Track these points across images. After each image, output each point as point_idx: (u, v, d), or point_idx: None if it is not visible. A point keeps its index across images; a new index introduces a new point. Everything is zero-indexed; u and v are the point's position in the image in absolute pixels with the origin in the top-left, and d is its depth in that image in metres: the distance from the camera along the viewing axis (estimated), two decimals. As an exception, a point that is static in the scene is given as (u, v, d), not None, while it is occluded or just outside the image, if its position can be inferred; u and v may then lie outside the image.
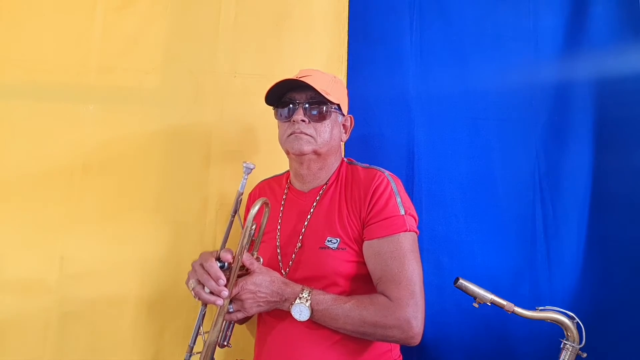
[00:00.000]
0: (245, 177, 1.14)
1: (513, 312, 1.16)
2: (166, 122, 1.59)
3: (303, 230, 1.25)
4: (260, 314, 1.34)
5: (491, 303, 1.16)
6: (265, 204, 1.14)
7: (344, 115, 1.34)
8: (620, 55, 1.60)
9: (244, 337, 1.57)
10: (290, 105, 1.26)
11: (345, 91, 1.38)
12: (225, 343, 1.17)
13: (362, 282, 1.18)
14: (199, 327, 1.13)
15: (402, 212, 1.18)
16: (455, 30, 1.71)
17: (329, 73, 1.38)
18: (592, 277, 1.53)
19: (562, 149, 1.61)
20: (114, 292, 1.50)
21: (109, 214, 1.52)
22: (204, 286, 1.08)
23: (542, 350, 1.44)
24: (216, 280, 1.06)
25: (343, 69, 1.72)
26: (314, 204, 1.28)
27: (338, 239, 1.20)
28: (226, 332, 1.18)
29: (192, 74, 1.63)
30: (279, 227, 1.31)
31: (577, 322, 1.17)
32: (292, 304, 1.10)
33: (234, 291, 1.09)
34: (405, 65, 1.72)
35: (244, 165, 1.14)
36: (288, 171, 1.41)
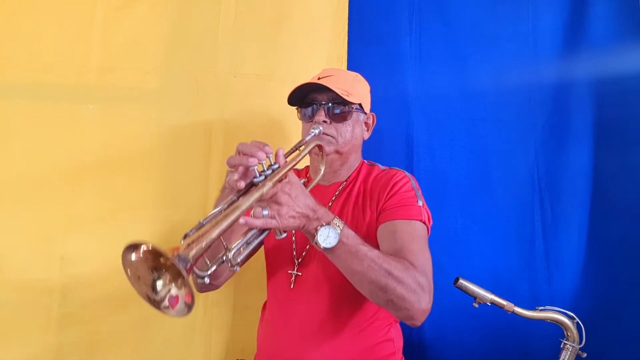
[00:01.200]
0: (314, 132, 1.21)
1: (513, 312, 1.16)
2: (166, 122, 1.60)
3: None
4: (264, 309, 1.35)
5: (491, 303, 1.17)
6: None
7: (366, 113, 1.37)
8: (620, 55, 1.59)
9: (244, 337, 1.57)
10: (313, 106, 1.29)
11: (368, 89, 1.40)
12: (236, 262, 0.95)
13: None
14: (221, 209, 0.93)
15: (420, 204, 1.20)
16: (454, 31, 1.71)
17: (352, 72, 1.40)
18: (592, 277, 1.53)
19: (561, 149, 1.61)
20: (114, 292, 1.49)
21: (109, 213, 1.52)
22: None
23: (542, 350, 1.44)
24: (260, 147, 0.97)
25: (343, 69, 1.72)
26: (333, 198, 1.30)
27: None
28: (240, 247, 0.98)
29: (192, 74, 1.63)
30: None
31: (577, 322, 1.18)
32: (321, 225, 0.99)
33: (271, 191, 0.96)
34: (405, 66, 1.72)
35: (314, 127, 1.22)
36: (307, 167, 1.43)
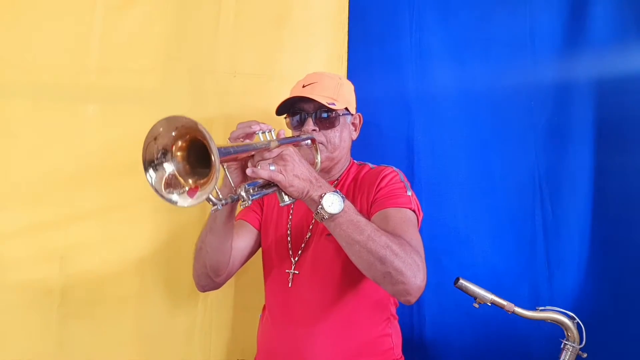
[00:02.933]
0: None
1: (513, 312, 1.16)
2: (166, 122, 1.59)
3: (313, 220, 1.29)
4: (264, 310, 1.35)
5: (491, 303, 1.16)
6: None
7: (352, 114, 1.38)
8: (621, 55, 1.58)
9: (244, 337, 1.57)
10: (300, 115, 1.31)
11: (352, 89, 1.42)
12: (248, 198, 0.97)
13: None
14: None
15: (409, 194, 1.22)
16: (455, 30, 1.70)
17: (335, 74, 1.42)
18: (592, 277, 1.53)
19: (561, 149, 1.60)
20: (114, 292, 1.50)
21: (109, 213, 1.52)
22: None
23: (542, 350, 1.44)
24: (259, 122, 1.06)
25: (343, 69, 1.72)
26: None
27: None
28: (257, 185, 1.01)
29: (192, 73, 1.63)
30: (290, 217, 1.34)
31: (578, 322, 1.17)
32: (325, 193, 1.01)
33: (276, 151, 1.02)
34: (405, 65, 1.71)
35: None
36: None
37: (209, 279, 1.30)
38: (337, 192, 1.02)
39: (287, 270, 1.27)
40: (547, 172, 1.60)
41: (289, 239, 1.31)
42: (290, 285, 1.25)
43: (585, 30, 1.61)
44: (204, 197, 0.85)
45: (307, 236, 1.29)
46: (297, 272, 1.26)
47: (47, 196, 1.49)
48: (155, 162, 0.88)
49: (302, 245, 1.28)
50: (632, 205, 1.50)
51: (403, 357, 1.29)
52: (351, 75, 1.70)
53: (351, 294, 1.22)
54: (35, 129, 1.51)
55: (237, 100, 1.64)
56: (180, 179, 0.89)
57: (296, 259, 1.27)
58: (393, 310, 1.30)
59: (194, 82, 1.63)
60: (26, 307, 1.44)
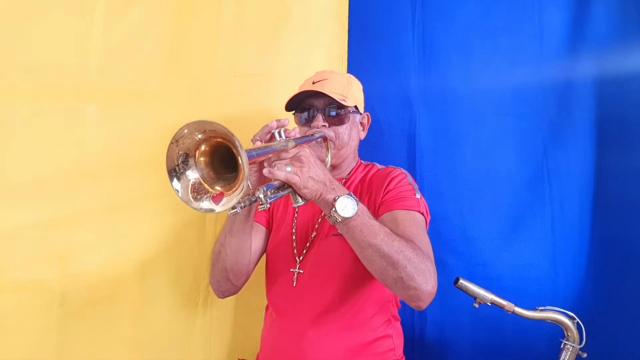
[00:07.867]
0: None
1: (513, 312, 1.16)
2: (166, 122, 1.58)
3: (319, 220, 1.30)
4: (267, 309, 1.35)
5: (491, 303, 1.17)
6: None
7: (361, 114, 1.40)
8: (629, 52, 1.56)
9: (244, 337, 1.57)
10: (309, 111, 1.32)
11: (361, 88, 1.43)
12: (266, 201, 0.96)
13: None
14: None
15: (417, 197, 1.23)
16: (458, 26, 1.69)
17: (345, 73, 1.41)
18: (593, 277, 1.53)
19: (569, 145, 1.58)
20: (114, 292, 1.50)
21: (109, 214, 1.52)
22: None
23: (542, 350, 1.44)
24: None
25: (343, 68, 1.72)
26: None
27: None
28: (273, 187, 1.01)
29: (192, 74, 1.63)
30: (295, 216, 1.35)
31: (578, 322, 1.18)
32: (339, 196, 1.01)
33: (292, 151, 1.03)
34: (408, 61, 1.71)
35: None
36: None
37: (230, 283, 1.31)
38: (351, 195, 1.02)
39: (291, 270, 1.28)
40: (557, 169, 1.58)
41: (294, 237, 1.32)
42: (294, 285, 1.26)
43: (593, 25, 1.58)
44: (231, 204, 0.85)
45: (313, 235, 1.29)
46: (301, 271, 1.26)
47: (47, 196, 1.48)
48: (178, 168, 0.88)
49: (307, 244, 1.29)
50: (635, 205, 1.50)
51: (404, 358, 1.29)
52: (351, 74, 1.69)
53: (354, 295, 1.22)
54: (35, 129, 1.51)
55: (237, 100, 1.64)
56: (205, 185, 0.90)
57: (301, 258, 1.28)
58: (394, 311, 1.30)
59: (194, 82, 1.62)
60: (26, 307, 1.44)
